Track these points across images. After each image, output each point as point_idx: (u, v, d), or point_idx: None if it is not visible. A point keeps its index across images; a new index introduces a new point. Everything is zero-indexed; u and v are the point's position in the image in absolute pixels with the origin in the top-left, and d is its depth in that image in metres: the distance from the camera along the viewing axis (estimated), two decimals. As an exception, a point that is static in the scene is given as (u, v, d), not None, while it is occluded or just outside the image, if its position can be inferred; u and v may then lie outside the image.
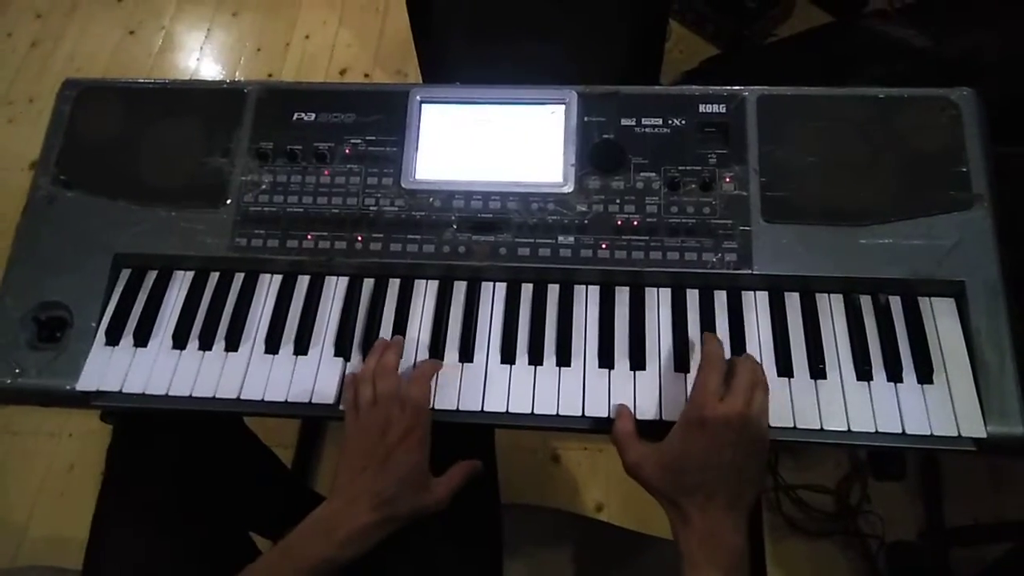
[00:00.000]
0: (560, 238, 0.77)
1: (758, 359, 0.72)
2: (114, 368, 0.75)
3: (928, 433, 0.67)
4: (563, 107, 0.82)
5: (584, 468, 1.43)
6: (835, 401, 0.69)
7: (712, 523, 0.62)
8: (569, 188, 0.79)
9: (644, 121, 0.81)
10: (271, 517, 1.04)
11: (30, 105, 2.03)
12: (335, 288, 0.79)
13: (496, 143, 0.82)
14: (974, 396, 0.68)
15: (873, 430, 0.68)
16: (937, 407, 0.68)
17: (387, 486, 0.65)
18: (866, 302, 0.74)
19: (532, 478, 1.42)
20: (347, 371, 0.75)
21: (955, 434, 0.67)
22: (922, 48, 1.40)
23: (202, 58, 2.10)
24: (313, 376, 0.74)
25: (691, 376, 0.72)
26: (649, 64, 1.44)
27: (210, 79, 2.03)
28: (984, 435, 0.67)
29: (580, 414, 0.71)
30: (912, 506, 1.32)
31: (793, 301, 0.75)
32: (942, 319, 0.73)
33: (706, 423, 0.64)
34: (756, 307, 0.75)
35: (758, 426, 0.65)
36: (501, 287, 0.78)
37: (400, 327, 0.76)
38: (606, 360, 0.73)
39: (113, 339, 0.76)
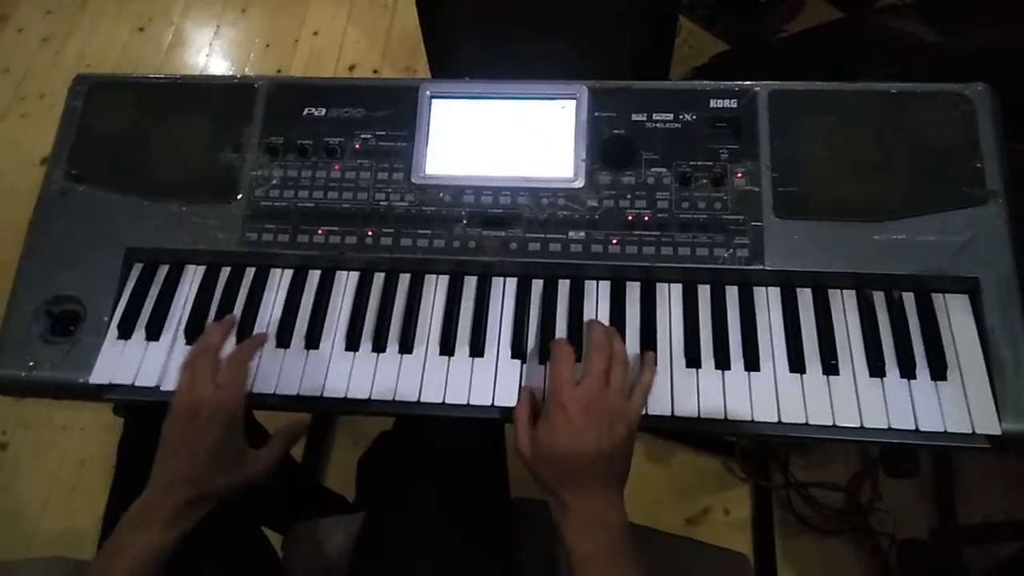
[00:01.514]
0: (571, 233, 0.77)
1: (771, 356, 0.72)
2: (126, 362, 0.75)
3: (942, 430, 0.67)
4: (574, 102, 0.81)
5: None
6: (848, 398, 0.69)
7: (588, 506, 0.63)
8: (580, 183, 0.78)
9: (655, 116, 0.80)
10: (281, 511, 1.05)
11: (41, 101, 2.04)
12: (346, 283, 0.80)
13: (506, 138, 0.82)
14: (988, 393, 0.68)
15: (886, 427, 0.67)
16: (951, 404, 0.68)
17: (197, 466, 0.67)
18: (879, 298, 0.74)
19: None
20: (354, 364, 0.75)
21: (969, 431, 0.67)
22: (933, 44, 1.38)
23: (211, 54, 2.11)
24: (324, 371, 0.74)
25: (703, 371, 0.72)
26: (659, 60, 1.44)
27: (220, 75, 2.04)
28: (998, 432, 0.66)
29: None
30: (924, 504, 1.32)
31: (805, 297, 0.75)
32: (956, 315, 0.72)
33: (566, 410, 0.64)
34: (768, 303, 0.75)
35: (619, 403, 0.65)
36: (512, 282, 0.78)
37: (410, 322, 0.76)
38: (617, 355, 0.73)
39: (125, 333, 0.77)
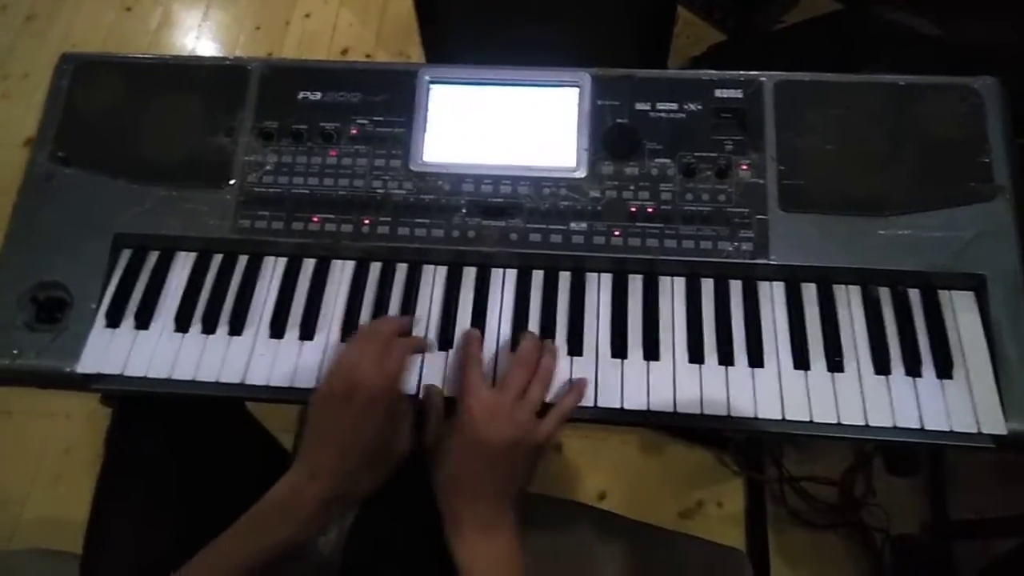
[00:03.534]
0: (572, 224, 0.75)
1: (774, 350, 0.71)
2: (115, 351, 0.73)
3: (947, 429, 0.66)
4: (576, 90, 0.80)
5: (587, 456, 1.42)
6: (852, 395, 0.68)
7: (478, 513, 0.63)
8: (582, 173, 0.77)
9: (659, 106, 0.79)
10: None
11: (25, 80, 2.00)
12: (341, 272, 0.78)
13: (507, 126, 0.80)
14: (994, 392, 0.67)
15: (891, 425, 0.67)
16: (956, 402, 0.67)
17: (349, 462, 0.63)
18: (884, 294, 0.73)
19: (533, 466, 1.41)
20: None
21: (974, 430, 0.66)
22: (933, 36, 1.38)
23: (200, 36, 2.07)
24: (319, 361, 0.73)
25: (706, 367, 0.70)
26: (657, 49, 1.42)
27: (212, 56, 2.00)
28: (1004, 432, 0.66)
29: (592, 404, 0.69)
30: (917, 499, 1.32)
31: (810, 292, 0.74)
32: (962, 313, 0.71)
33: (472, 414, 0.64)
34: (772, 297, 0.74)
35: (528, 421, 0.64)
36: (512, 274, 0.76)
37: (408, 312, 0.74)
38: (619, 350, 0.72)
39: (114, 321, 0.75)
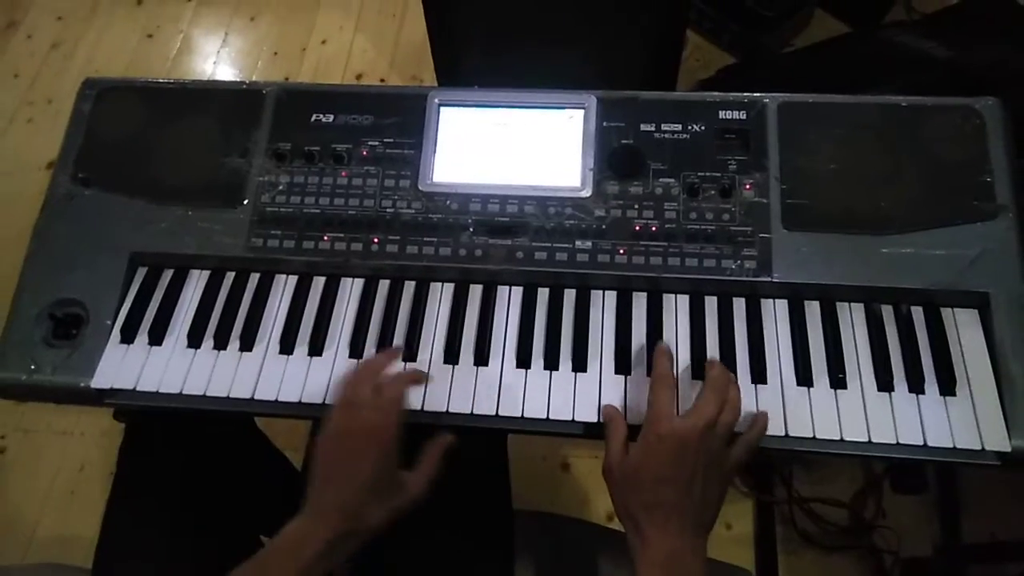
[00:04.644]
0: (577, 243, 0.76)
1: (777, 368, 0.71)
2: (129, 366, 0.75)
3: (951, 446, 0.66)
4: (582, 111, 0.81)
5: (594, 476, 1.42)
6: (856, 412, 0.68)
7: (669, 546, 0.61)
8: (587, 193, 0.78)
9: (664, 127, 0.80)
10: (281, 520, 1.04)
11: (49, 106, 2.04)
12: (350, 289, 0.79)
13: (514, 146, 0.81)
14: (998, 409, 0.67)
15: (894, 442, 0.67)
16: (960, 420, 0.67)
17: (352, 498, 0.64)
18: (888, 312, 0.73)
19: (542, 486, 1.41)
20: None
21: (978, 448, 0.66)
22: (941, 60, 1.39)
23: (219, 62, 2.12)
24: (327, 377, 0.74)
25: (709, 384, 0.71)
26: (666, 72, 1.44)
27: (229, 80, 2.04)
28: (1008, 449, 0.66)
29: (596, 420, 0.70)
30: (928, 521, 1.30)
31: (813, 310, 0.74)
32: (965, 330, 0.72)
33: (663, 442, 0.63)
34: (775, 315, 0.74)
35: (719, 450, 0.64)
36: (517, 291, 0.78)
37: (415, 330, 0.76)
38: (623, 366, 0.72)
39: (128, 337, 0.76)
